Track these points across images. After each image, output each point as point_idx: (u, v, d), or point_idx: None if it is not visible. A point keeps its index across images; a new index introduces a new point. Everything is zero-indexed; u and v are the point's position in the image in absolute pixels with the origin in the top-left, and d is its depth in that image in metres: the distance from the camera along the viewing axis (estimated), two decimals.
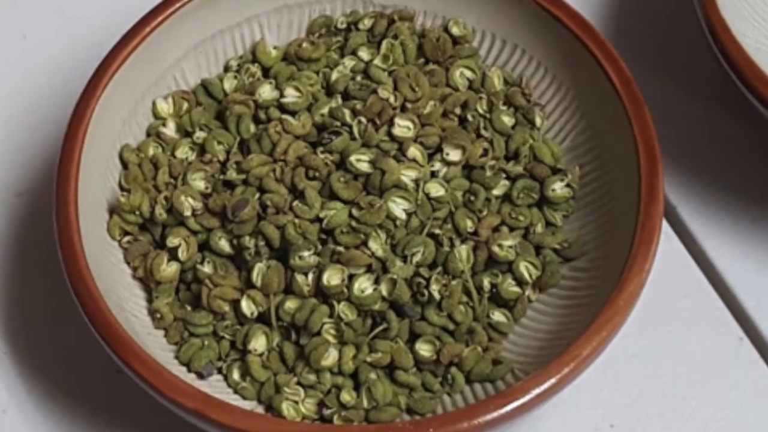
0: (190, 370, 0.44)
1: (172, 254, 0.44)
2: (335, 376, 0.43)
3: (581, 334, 0.40)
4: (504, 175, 0.46)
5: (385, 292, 0.43)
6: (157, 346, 0.43)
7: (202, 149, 0.47)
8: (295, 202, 0.43)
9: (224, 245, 0.44)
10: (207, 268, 0.44)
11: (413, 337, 0.43)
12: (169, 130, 0.48)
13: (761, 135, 0.53)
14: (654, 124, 0.44)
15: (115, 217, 0.45)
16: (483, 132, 0.47)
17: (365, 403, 0.42)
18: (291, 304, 0.43)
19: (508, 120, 0.47)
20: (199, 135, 0.47)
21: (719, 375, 0.48)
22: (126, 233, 0.46)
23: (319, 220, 0.43)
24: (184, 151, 0.47)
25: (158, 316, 0.44)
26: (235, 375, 0.44)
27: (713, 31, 0.46)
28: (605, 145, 0.46)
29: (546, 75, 0.49)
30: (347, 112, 0.45)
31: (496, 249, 0.44)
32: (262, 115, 0.47)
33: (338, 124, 0.45)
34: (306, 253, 0.43)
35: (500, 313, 0.44)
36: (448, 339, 0.43)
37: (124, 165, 0.47)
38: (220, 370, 0.44)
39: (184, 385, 0.40)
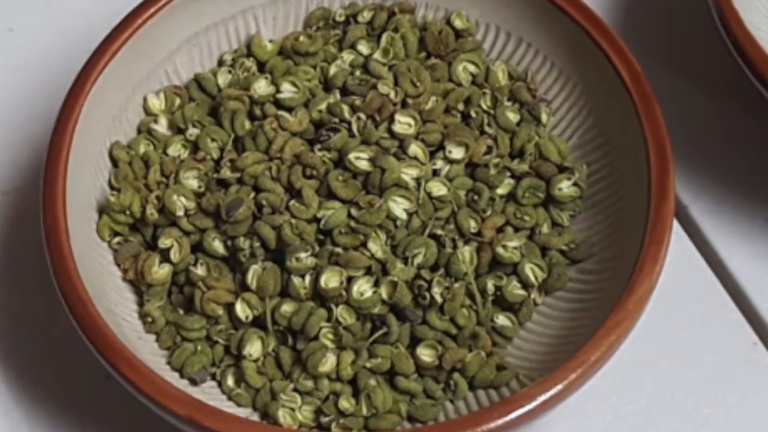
0: (182, 376, 0.44)
1: (164, 256, 0.44)
2: (333, 383, 0.43)
3: (589, 338, 0.40)
4: (508, 174, 0.46)
5: (385, 295, 0.43)
6: (148, 351, 0.43)
7: (195, 147, 0.47)
8: (292, 202, 0.43)
9: (218, 246, 0.44)
10: (200, 270, 0.44)
11: (414, 342, 0.43)
12: (161, 127, 0.48)
13: None
14: (664, 121, 0.44)
15: (105, 217, 0.45)
16: (487, 129, 0.47)
17: (364, 411, 0.42)
18: (287, 307, 0.43)
19: (512, 116, 0.47)
20: (192, 132, 0.47)
21: (732, 381, 0.48)
22: (116, 234, 0.46)
23: (316, 220, 0.43)
24: (176, 149, 0.47)
25: (149, 319, 0.44)
26: (230, 381, 0.43)
27: (726, 23, 0.46)
28: (614, 142, 0.46)
29: (552, 69, 0.49)
30: (346, 108, 0.45)
31: (500, 250, 0.44)
32: (257, 111, 0.46)
33: (336, 120, 0.45)
34: (303, 255, 0.43)
35: (505, 316, 0.44)
36: (450, 344, 0.43)
37: (114, 163, 0.47)
38: (213, 376, 0.44)
39: (176, 391, 0.40)
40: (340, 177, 0.44)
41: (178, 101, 0.48)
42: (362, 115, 0.45)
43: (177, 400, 0.39)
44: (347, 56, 0.48)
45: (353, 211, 0.43)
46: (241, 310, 0.43)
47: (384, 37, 0.48)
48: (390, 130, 0.45)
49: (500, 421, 0.38)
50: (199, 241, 0.44)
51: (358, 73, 0.48)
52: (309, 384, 0.43)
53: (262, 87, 0.47)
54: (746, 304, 0.49)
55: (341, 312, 0.42)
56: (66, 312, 0.41)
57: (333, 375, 0.43)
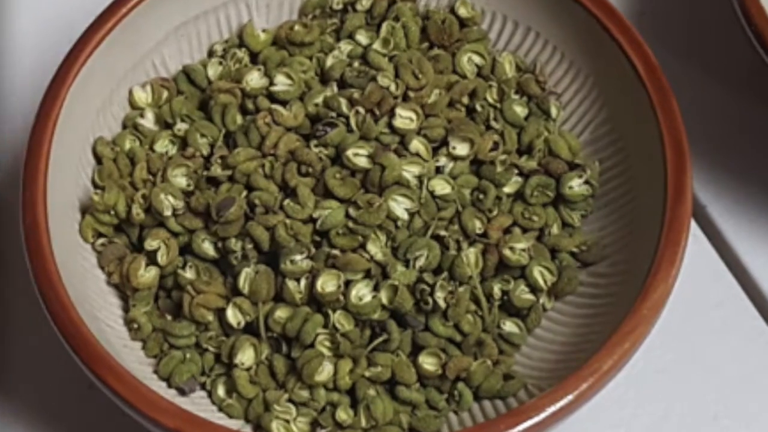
0: (170, 386, 0.44)
1: (151, 258, 0.44)
2: (330, 393, 0.43)
3: (601, 346, 0.40)
4: (516, 171, 0.46)
5: (385, 300, 0.43)
6: (134, 359, 0.43)
7: (183, 142, 0.47)
8: (286, 201, 0.43)
9: (208, 248, 0.44)
10: (189, 274, 0.44)
11: (416, 350, 0.43)
12: (148, 122, 0.48)
13: None
14: (681, 115, 0.44)
15: (88, 218, 0.45)
16: (493, 123, 0.47)
17: (363, 422, 0.42)
18: (281, 313, 0.43)
19: (520, 110, 0.47)
20: (181, 127, 0.47)
21: (754, 391, 0.48)
22: (100, 235, 0.46)
23: (312, 220, 0.43)
24: (163, 145, 0.47)
25: (135, 326, 0.44)
26: (220, 391, 0.43)
27: (746, 12, 0.46)
28: (628, 138, 0.46)
29: (562, 61, 0.49)
30: (344, 102, 0.45)
31: (507, 252, 0.44)
32: (249, 105, 0.47)
33: (334, 114, 0.45)
34: (298, 257, 0.43)
35: (512, 323, 0.44)
36: (454, 351, 0.43)
37: (98, 160, 0.47)
38: (203, 386, 0.44)
39: (163, 402, 0.40)
40: (338, 175, 0.44)
41: (165, 94, 0.48)
42: (361, 109, 0.45)
43: (164, 412, 0.39)
44: (345, 46, 0.48)
45: (351, 211, 0.43)
46: (233, 316, 0.43)
47: (384, 27, 0.48)
48: (390, 125, 0.45)
49: None
50: (188, 242, 0.44)
51: (356, 64, 0.48)
52: (304, 394, 0.43)
53: (254, 79, 0.47)
54: None
55: (339, 318, 0.42)
56: (47, 318, 0.41)
57: (330, 385, 0.43)
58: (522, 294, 0.44)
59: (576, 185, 0.46)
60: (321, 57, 0.48)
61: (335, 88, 0.47)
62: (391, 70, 0.47)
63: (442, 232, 0.44)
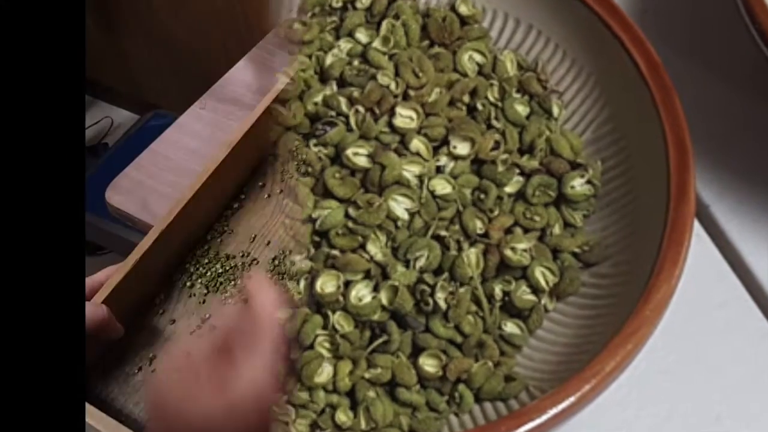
0: None
1: None
2: (330, 395, 0.43)
3: (604, 347, 0.40)
4: (517, 171, 0.46)
5: (385, 301, 0.43)
6: None
7: None
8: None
9: None
10: None
11: (417, 351, 0.43)
12: None
13: None
14: (685, 114, 0.44)
15: None
16: (494, 122, 0.47)
17: (363, 424, 0.42)
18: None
19: (522, 109, 0.47)
20: None
21: (757, 391, 0.47)
22: None
23: (311, 220, 0.43)
24: None
25: None
26: None
27: (750, 9, 0.46)
28: (630, 136, 0.46)
29: (564, 59, 0.49)
30: (343, 101, 0.45)
31: (508, 253, 0.44)
32: None
33: (333, 113, 0.45)
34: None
35: (513, 324, 0.44)
36: (455, 353, 0.43)
37: None
38: None
39: None
40: (337, 174, 0.44)
41: None
42: (361, 108, 0.45)
43: None
44: (345, 45, 0.48)
45: (351, 211, 0.43)
46: None
47: (384, 25, 0.48)
48: (390, 124, 0.45)
49: None
50: None
51: (356, 62, 0.48)
52: (304, 396, 0.42)
53: None
54: None
55: (338, 319, 0.42)
56: None
57: (329, 386, 0.42)
58: (523, 295, 0.44)
59: (578, 185, 0.46)
60: (320, 55, 0.48)
61: (335, 87, 0.47)
62: (391, 68, 0.47)
63: (443, 233, 0.44)
